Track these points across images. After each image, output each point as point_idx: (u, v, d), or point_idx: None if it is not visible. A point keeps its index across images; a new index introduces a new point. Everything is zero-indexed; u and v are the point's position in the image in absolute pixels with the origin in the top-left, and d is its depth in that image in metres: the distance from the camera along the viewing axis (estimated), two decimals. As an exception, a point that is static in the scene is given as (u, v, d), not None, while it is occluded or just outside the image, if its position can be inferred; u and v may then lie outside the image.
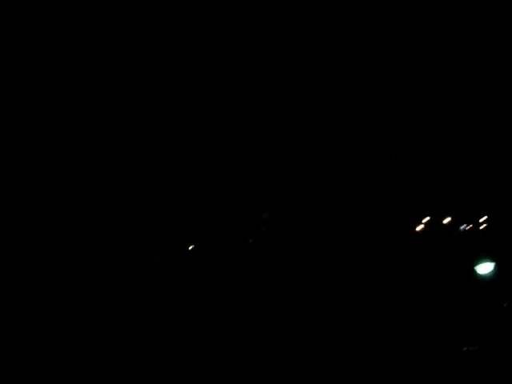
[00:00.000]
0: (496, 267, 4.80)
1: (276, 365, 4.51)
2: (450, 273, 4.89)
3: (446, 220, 5.06)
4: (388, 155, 5.02)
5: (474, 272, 4.82)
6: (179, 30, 4.85)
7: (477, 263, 4.84)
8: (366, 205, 5.02)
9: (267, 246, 4.98)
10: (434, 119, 5.01)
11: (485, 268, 4.81)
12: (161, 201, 5.00)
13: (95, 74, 4.84)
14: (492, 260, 4.82)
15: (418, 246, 5.00)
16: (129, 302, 4.75)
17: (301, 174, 5.05)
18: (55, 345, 4.53)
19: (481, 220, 5.06)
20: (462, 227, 5.07)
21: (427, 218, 5.06)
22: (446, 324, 4.65)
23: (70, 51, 4.74)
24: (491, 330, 4.58)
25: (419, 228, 5.06)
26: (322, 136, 5.04)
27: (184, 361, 4.54)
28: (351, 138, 5.02)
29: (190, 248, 5.00)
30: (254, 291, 4.87)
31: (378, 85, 4.98)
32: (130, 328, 4.67)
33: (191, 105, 4.96)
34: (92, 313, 4.70)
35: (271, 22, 4.87)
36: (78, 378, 4.41)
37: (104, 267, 4.83)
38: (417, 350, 4.51)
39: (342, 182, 5.04)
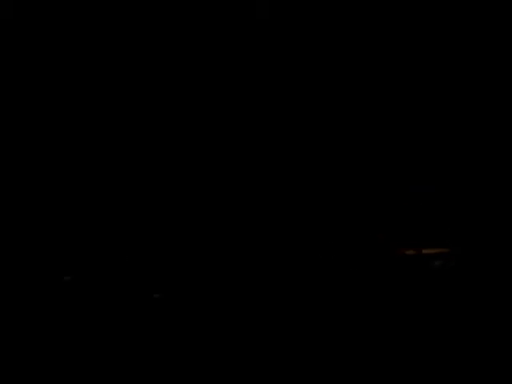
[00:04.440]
0: (495, 267, 4.81)
1: (276, 365, 4.51)
2: (449, 274, 4.89)
3: (445, 220, 5.06)
4: (388, 155, 5.03)
5: (473, 272, 4.82)
6: (178, 31, 4.88)
7: (476, 264, 4.85)
8: (366, 205, 5.02)
9: (267, 247, 4.99)
10: (434, 120, 5.01)
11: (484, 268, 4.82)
12: (161, 201, 5.01)
13: (95, 74, 4.87)
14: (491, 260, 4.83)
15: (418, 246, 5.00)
16: (129, 303, 4.75)
17: (300, 175, 5.05)
18: (55, 345, 4.54)
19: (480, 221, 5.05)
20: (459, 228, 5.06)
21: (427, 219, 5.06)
22: (446, 324, 4.64)
23: (70, 52, 4.77)
24: (491, 331, 4.57)
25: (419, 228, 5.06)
26: (322, 136, 5.05)
27: (184, 361, 4.54)
28: (351, 138, 5.02)
29: (190, 249, 5.00)
30: (253, 292, 4.87)
31: (378, 85, 4.99)
32: (130, 328, 4.67)
33: (191, 105, 4.98)
34: (92, 313, 4.70)
35: (271, 23, 4.90)
36: (77, 378, 4.41)
37: (104, 268, 4.83)
38: (417, 351, 4.50)
39: (342, 182, 5.04)
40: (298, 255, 4.95)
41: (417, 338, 4.51)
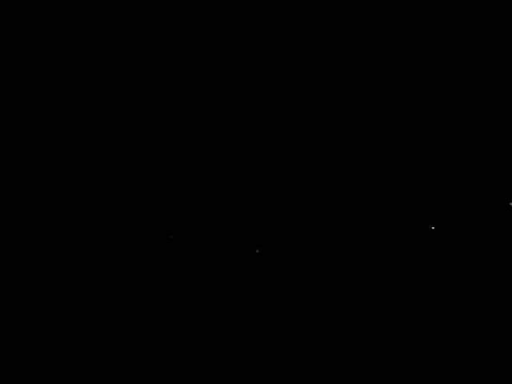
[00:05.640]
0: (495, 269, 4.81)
1: (276, 365, 4.51)
2: (449, 274, 4.89)
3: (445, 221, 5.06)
4: (388, 155, 5.03)
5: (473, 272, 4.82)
6: (178, 30, 4.88)
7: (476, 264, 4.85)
8: (366, 205, 5.02)
9: (266, 246, 4.99)
10: (434, 119, 5.02)
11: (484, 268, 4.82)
12: (161, 202, 5.01)
13: (95, 74, 4.87)
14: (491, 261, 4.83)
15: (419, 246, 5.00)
16: (129, 303, 4.76)
17: (300, 175, 5.06)
18: (55, 345, 4.54)
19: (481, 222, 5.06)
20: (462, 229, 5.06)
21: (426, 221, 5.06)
22: (445, 325, 4.64)
23: (70, 52, 4.78)
24: (490, 332, 4.57)
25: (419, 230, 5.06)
26: (322, 136, 5.06)
27: (184, 361, 4.54)
28: (351, 138, 5.03)
29: (190, 251, 5.01)
30: (253, 291, 4.87)
31: (377, 85, 4.99)
32: (130, 329, 4.67)
33: (191, 105, 4.98)
34: (92, 313, 4.70)
35: (271, 23, 4.91)
36: (77, 378, 4.41)
37: (104, 267, 4.84)
38: (416, 351, 4.50)
39: (341, 183, 5.04)
40: (298, 255, 4.95)
41: (417, 338, 4.51)
